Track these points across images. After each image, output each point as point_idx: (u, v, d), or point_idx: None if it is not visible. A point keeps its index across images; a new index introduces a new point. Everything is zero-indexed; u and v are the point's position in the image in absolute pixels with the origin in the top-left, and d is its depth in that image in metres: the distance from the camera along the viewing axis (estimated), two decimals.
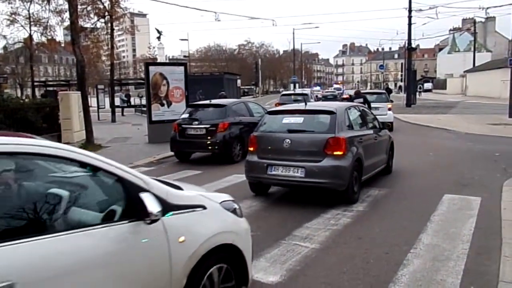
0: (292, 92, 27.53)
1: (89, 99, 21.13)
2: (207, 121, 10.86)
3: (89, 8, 22.76)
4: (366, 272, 4.28)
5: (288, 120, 7.30)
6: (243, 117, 11.51)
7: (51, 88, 39.68)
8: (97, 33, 26.07)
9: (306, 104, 7.90)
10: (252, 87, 79.29)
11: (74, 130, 15.38)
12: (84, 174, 2.58)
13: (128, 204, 2.59)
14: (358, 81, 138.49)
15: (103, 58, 31.74)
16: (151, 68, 14.75)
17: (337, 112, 7.03)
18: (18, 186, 2.45)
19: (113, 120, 24.77)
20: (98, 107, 28.15)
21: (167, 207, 2.68)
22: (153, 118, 14.34)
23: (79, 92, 15.45)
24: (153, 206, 2.53)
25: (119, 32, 32.76)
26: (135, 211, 2.57)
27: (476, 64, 56.51)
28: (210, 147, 10.85)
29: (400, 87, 60.50)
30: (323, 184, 6.63)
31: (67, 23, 23.38)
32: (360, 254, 4.75)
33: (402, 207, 6.67)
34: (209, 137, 10.68)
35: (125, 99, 34.91)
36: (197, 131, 10.89)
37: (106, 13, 23.67)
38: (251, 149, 7.38)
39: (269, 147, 7.11)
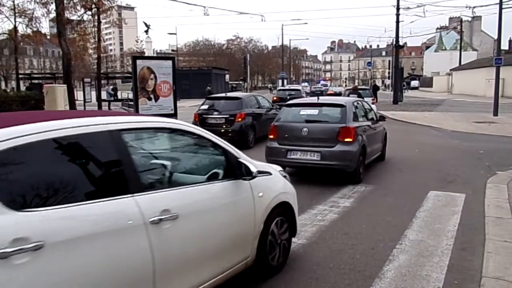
0: (287, 88, 31.04)
1: (75, 92, 20.91)
2: (226, 112, 12.38)
3: (75, 0, 22.38)
4: (353, 267, 4.32)
5: (305, 112, 8.39)
6: (254, 109, 13.26)
7: (36, 81, 39.18)
8: (83, 26, 25.65)
9: (318, 98, 9.34)
10: (241, 82, 79.05)
11: None
12: (207, 145, 3.73)
13: (227, 167, 3.64)
14: (346, 78, 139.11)
15: (90, 51, 31.33)
16: (139, 62, 14.51)
17: (346, 106, 8.14)
18: (169, 152, 3.89)
19: None
20: (85, 101, 27.85)
21: None
22: (140, 113, 14.21)
23: (65, 85, 15.27)
24: (253, 168, 3.61)
25: (106, 25, 32.37)
26: (232, 172, 3.61)
27: (462, 63, 57.13)
28: (228, 134, 11.91)
29: (388, 85, 60.99)
30: (336, 166, 7.73)
31: (53, 15, 22.92)
32: (346, 249, 4.79)
33: (388, 203, 6.73)
34: (228, 126, 12.15)
35: (112, 93, 34.61)
36: (217, 120, 12.40)
37: (93, 6, 23.29)
38: (272, 136, 8.35)
39: (289, 135, 8.10)
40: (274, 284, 3.98)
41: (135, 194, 2.76)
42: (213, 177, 3.57)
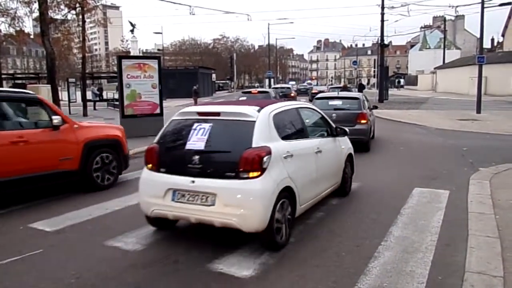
0: (279, 86, 34.93)
1: (60, 92, 20.64)
2: None
3: None
4: (338, 265, 4.35)
5: (333, 102, 11.97)
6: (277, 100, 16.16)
7: (19, 81, 38.58)
8: (67, 25, 25.24)
9: (338, 93, 13.55)
10: (227, 81, 78.94)
11: None
12: (319, 116, 6.61)
13: (328, 130, 6.55)
14: (332, 77, 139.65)
15: (75, 50, 31.00)
16: (124, 61, 14.44)
17: (360, 98, 11.96)
18: (306, 120, 6.15)
19: (85, 114, 24.22)
20: (69, 101, 27.46)
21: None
22: (126, 113, 14.09)
23: (49, 85, 15.06)
24: (347, 130, 6.85)
25: (91, 25, 31.97)
26: (332, 133, 6.55)
27: (446, 61, 57.78)
28: None
29: (374, 83, 61.49)
30: (356, 139, 9.73)
31: (36, 14, 22.47)
32: (332, 247, 4.83)
33: (373, 200, 6.80)
34: None
35: (97, 92, 34.17)
36: None
37: (77, 5, 22.98)
38: None
39: None
40: (261, 282, 4.00)
41: (307, 139, 5.73)
42: (322, 135, 6.34)
